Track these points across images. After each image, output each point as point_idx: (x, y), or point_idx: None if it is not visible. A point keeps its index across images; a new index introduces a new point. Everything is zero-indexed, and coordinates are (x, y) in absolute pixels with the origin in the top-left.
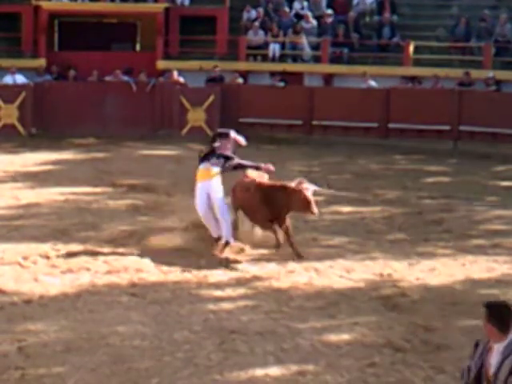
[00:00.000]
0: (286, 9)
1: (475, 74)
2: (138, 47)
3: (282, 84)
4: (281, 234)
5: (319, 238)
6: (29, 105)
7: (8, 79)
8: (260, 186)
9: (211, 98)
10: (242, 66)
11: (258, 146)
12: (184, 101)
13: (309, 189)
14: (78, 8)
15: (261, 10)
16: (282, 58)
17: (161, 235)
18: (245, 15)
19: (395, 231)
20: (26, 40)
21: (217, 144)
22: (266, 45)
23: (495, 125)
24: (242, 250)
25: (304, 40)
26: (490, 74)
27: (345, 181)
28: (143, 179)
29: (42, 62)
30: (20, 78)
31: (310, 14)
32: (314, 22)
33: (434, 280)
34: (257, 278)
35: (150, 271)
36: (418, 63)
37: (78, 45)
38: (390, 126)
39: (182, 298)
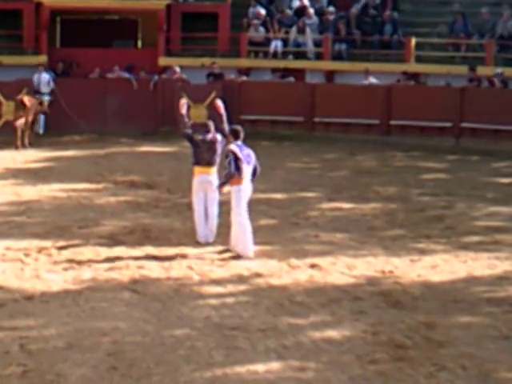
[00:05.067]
0: (287, 10)
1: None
2: (139, 44)
3: (292, 79)
4: None
5: (320, 234)
6: None
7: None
8: None
9: (213, 95)
10: (244, 62)
11: (259, 142)
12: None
13: None
14: (79, 5)
15: (265, 6)
16: (284, 55)
17: None
18: (250, 11)
19: (396, 228)
20: (28, 37)
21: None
22: (267, 41)
23: (497, 121)
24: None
25: (309, 36)
26: (499, 70)
27: (346, 178)
28: (144, 176)
29: (43, 59)
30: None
31: (311, 10)
32: (316, 19)
33: (436, 277)
34: (258, 275)
35: (151, 268)
36: (419, 60)
37: (79, 42)
38: (392, 122)
39: (183, 294)
